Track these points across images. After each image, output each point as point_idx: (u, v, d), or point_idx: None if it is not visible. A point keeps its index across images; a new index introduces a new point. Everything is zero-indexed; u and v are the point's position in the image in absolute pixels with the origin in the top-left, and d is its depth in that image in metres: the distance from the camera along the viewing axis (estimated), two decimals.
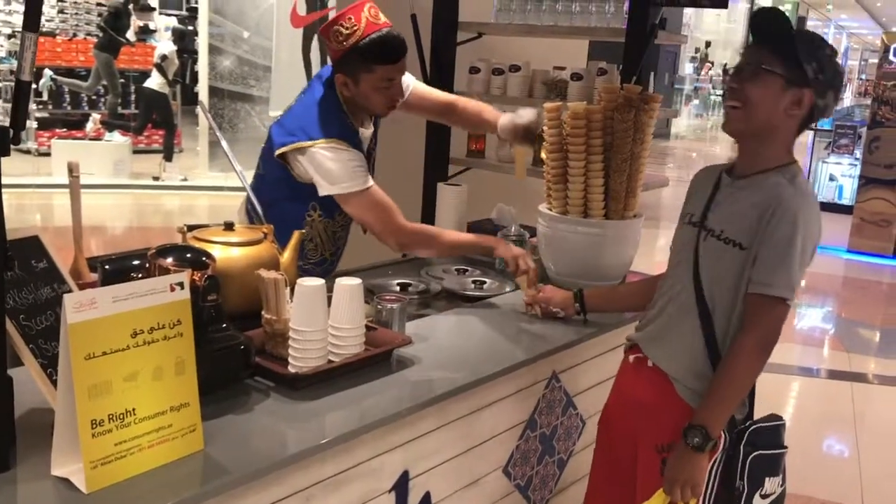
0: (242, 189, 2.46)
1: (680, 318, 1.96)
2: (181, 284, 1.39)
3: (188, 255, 1.64)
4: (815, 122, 1.92)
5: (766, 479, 1.91)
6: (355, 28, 2.33)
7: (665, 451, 1.92)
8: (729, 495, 1.90)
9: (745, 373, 1.82)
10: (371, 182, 2.43)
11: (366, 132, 2.60)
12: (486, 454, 2.14)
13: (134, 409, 1.34)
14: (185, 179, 10.02)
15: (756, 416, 2.00)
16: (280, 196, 2.49)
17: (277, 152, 2.43)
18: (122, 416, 1.32)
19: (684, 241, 2.00)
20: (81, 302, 1.25)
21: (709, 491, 1.90)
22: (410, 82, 2.74)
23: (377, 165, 2.82)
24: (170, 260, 1.61)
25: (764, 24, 1.85)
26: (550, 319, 2.41)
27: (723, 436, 1.88)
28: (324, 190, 2.39)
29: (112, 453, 1.31)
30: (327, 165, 2.37)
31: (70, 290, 1.56)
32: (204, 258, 1.65)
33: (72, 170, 1.90)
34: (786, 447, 1.97)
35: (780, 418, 1.99)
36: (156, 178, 10.01)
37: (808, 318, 6.71)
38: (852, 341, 6.05)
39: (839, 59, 1.86)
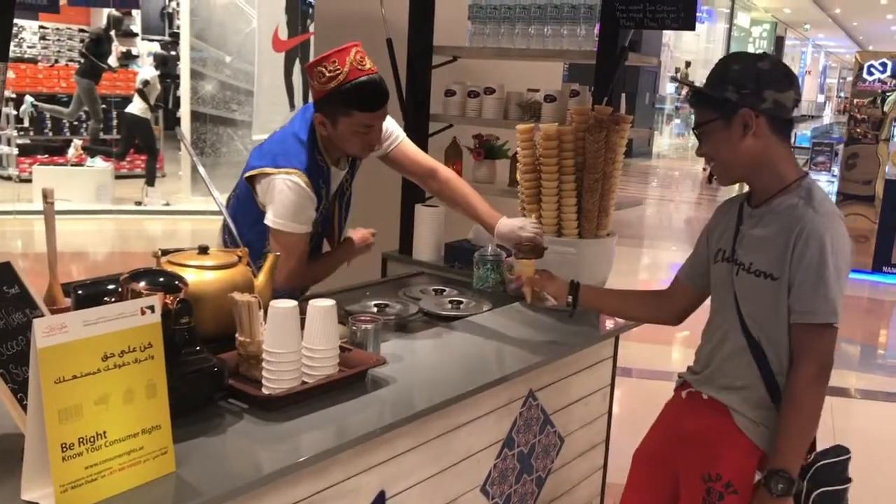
0: None
1: (733, 356, 1.94)
2: (152, 308, 1.40)
3: (161, 279, 1.66)
4: (786, 120, 1.88)
5: None
6: (338, 72, 2.33)
7: (712, 480, 1.90)
8: None
9: (810, 405, 1.80)
10: (300, 231, 2.45)
11: (339, 172, 2.62)
12: (463, 473, 2.15)
13: (105, 432, 1.35)
14: (168, 204, 10.00)
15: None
16: (251, 218, 2.51)
17: (246, 175, 2.48)
18: (92, 440, 1.33)
19: (722, 278, 1.98)
20: (51, 326, 1.26)
21: None
22: (399, 136, 2.75)
23: (357, 185, 2.85)
24: (142, 284, 1.62)
25: (689, 93, 1.91)
26: (526, 341, 2.42)
27: None
28: (268, 218, 2.42)
29: (83, 476, 1.32)
30: (279, 196, 2.40)
31: (41, 316, 1.57)
32: (176, 282, 1.66)
33: (46, 196, 1.91)
34: (850, 479, 1.95)
35: (846, 451, 1.95)
36: (138, 203, 9.98)
37: None
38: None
39: (760, 62, 1.83)
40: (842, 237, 1.80)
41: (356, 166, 2.76)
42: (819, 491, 1.86)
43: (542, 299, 2.42)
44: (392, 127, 2.73)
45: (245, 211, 2.53)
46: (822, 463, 1.88)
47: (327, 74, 2.34)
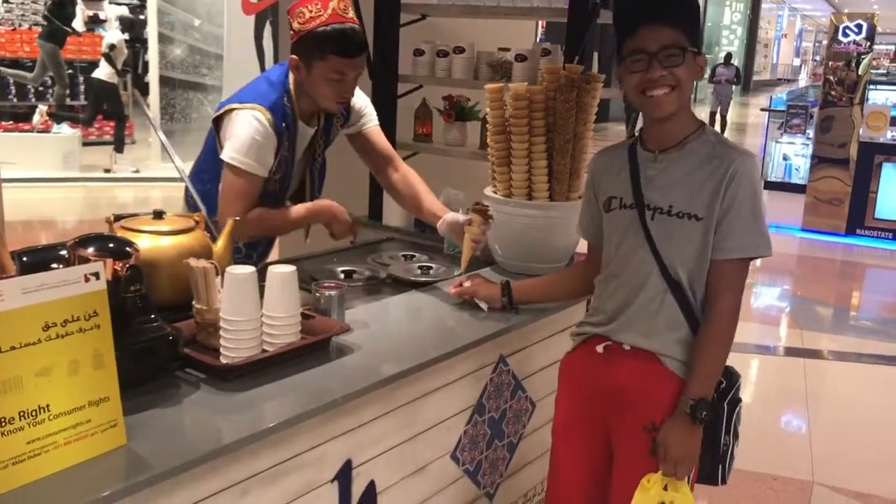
0: None
1: (652, 300, 1.91)
2: (96, 274, 1.33)
3: (110, 245, 1.59)
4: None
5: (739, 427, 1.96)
6: (320, 13, 2.30)
7: (656, 429, 1.88)
8: (713, 453, 1.91)
9: (728, 335, 1.86)
10: (255, 171, 2.38)
11: (307, 130, 2.56)
12: (432, 440, 2.12)
13: (48, 406, 1.29)
14: (138, 171, 9.84)
15: None
16: (210, 171, 2.48)
17: (213, 116, 2.45)
18: (34, 413, 1.27)
19: (625, 226, 1.94)
20: None
21: None
22: (374, 119, 2.77)
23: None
24: (90, 250, 1.55)
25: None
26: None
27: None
28: (223, 152, 2.38)
29: (24, 452, 1.26)
30: (238, 130, 2.37)
31: None
32: (126, 248, 1.59)
33: None
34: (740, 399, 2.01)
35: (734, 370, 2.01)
36: (107, 171, 9.82)
37: (764, 296, 6.79)
38: (806, 318, 6.14)
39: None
40: (757, 171, 1.91)
41: (330, 133, 2.69)
42: (738, 407, 1.95)
43: (475, 304, 2.34)
44: (369, 108, 2.75)
45: (213, 164, 2.49)
46: (739, 382, 1.97)
47: (308, 15, 2.31)
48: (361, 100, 2.72)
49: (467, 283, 2.35)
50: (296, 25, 2.35)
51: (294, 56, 2.38)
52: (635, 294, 1.94)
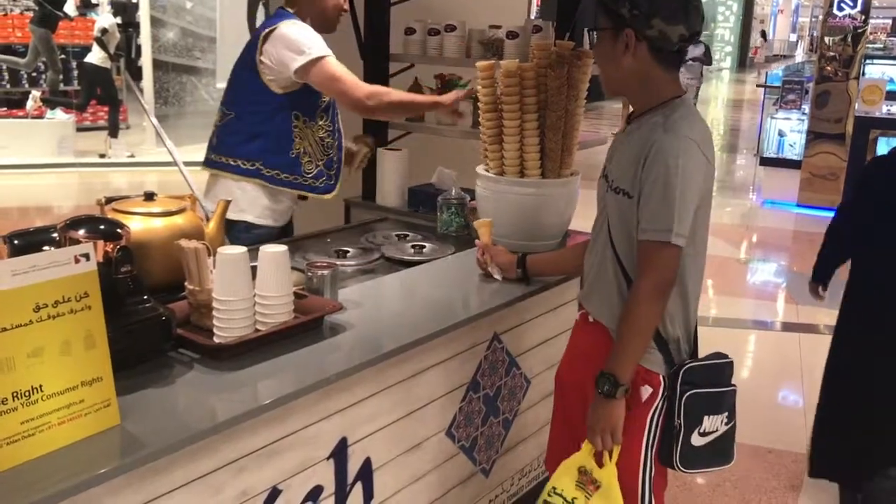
0: (192, 164, 2.46)
1: (603, 270, 1.97)
2: (86, 256, 1.34)
3: (101, 227, 1.59)
4: (672, 52, 1.86)
5: (706, 417, 1.93)
6: None
7: None
8: (669, 434, 1.92)
9: (643, 318, 1.83)
10: (330, 53, 2.60)
11: None
12: (427, 417, 2.13)
13: (41, 386, 1.29)
14: (133, 156, 9.79)
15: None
16: (262, 111, 2.65)
17: (256, 49, 2.63)
18: (27, 394, 1.27)
19: (600, 194, 2.02)
20: None
21: (653, 436, 1.93)
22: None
23: None
24: (81, 232, 1.56)
25: None
26: (489, 284, 2.39)
27: (661, 382, 1.91)
28: (294, 63, 2.56)
29: (18, 432, 1.27)
30: (292, 36, 2.59)
31: None
32: (117, 229, 1.60)
33: None
34: (731, 386, 1.98)
35: (723, 356, 1.99)
36: (102, 156, 9.76)
37: (760, 272, 6.79)
38: (801, 293, 6.13)
39: None
40: (691, 159, 1.79)
41: None
42: (691, 392, 1.90)
43: (489, 273, 2.40)
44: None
45: (255, 106, 2.69)
46: (688, 365, 1.91)
47: None
48: None
49: (488, 258, 2.41)
50: None
51: None
52: (595, 263, 2.01)
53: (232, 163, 2.69)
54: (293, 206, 2.88)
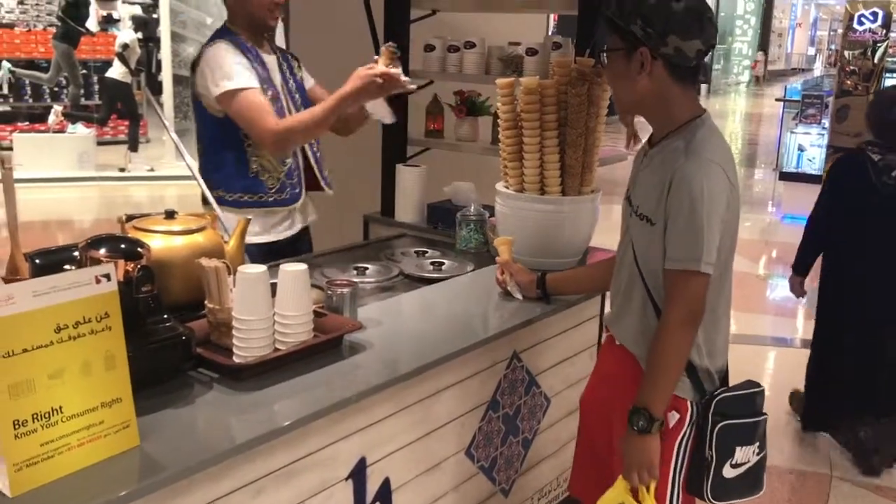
0: None
1: (629, 294, 1.94)
2: (107, 276, 1.33)
3: (121, 246, 1.59)
4: (689, 68, 1.82)
5: (738, 448, 1.88)
6: None
7: None
8: (699, 465, 1.88)
9: (674, 349, 1.79)
10: (249, 85, 2.50)
11: (270, 57, 2.70)
12: (446, 437, 2.11)
13: (61, 407, 1.29)
14: (152, 170, 9.87)
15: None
16: (215, 137, 2.58)
17: (192, 76, 2.60)
18: (47, 415, 1.27)
19: (625, 216, 1.99)
20: None
21: (681, 463, 1.89)
22: (311, 81, 2.89)
23: (332, 146, 2.77)
24: (102, 251, 1.56)
25: (595, 7, 1.89)
26: (508, 302, 2.37)
27: (689, 408, 1.87)
28: (216, 90, 2.49)
29: (38, 454, 1.26)
30: (210, 63, 2.52)
31: None
32: (138, 248, 1.59)
33: (3, 161, 1.83)
34: (763, 415, 1.94)
35: (755, 385, 1.95)
36: (122, 170, 9.85)
37: (780, 287, 6.73)
38: None
39: (676, 2, 1.75)
40: (716, 184, 1.75)
41: (292, 68, 2.80)
42: (723, 423, 1.85)
43: (508, 292, 2.38)
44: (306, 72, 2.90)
45: (210, 134, 2.63)
46: (721, 396, 1.87)
47: None
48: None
49: (508, 277, 2.39)
50: None
51: None
52: (622, 287, 1.98)
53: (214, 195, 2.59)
54: (287, 214, 2.77)
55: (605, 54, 1.87)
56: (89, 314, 1.32)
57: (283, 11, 3.18)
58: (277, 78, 2.69)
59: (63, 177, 9.18)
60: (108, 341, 1.35)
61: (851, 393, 3.60)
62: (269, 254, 2.58)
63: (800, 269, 3.76)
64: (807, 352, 3.94)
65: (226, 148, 2.58)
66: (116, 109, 10.56)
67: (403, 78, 2.46)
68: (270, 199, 2.67)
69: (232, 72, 2.49)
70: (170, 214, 1.93)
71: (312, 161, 2.79)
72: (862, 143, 3.59)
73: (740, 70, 30.62)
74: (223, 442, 1.50)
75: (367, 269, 2.63)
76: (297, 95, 2.76)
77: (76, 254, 1.64)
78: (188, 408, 1.59)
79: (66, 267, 1.59)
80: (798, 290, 3.80)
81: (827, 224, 3.62)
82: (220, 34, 2.63)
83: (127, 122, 10.50)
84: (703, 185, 1.73)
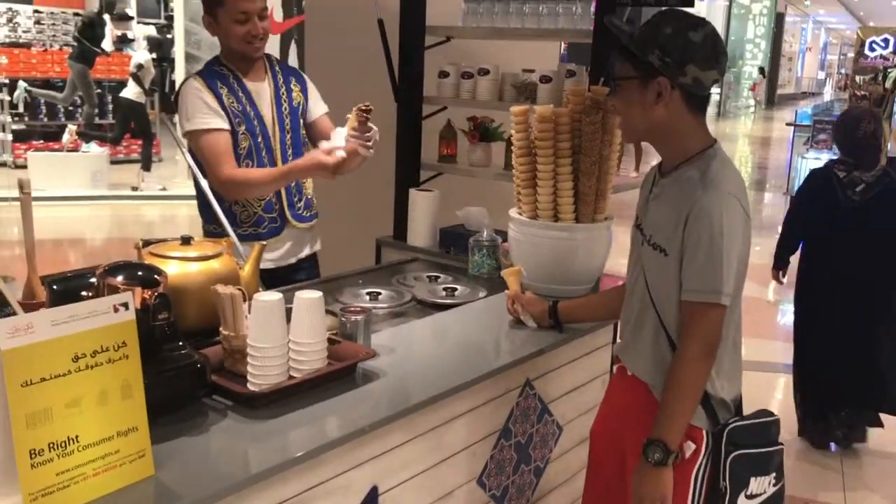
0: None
1: (642, 325, 1.94)
2: (125, 305, 1.34)
3: (139, 273, 1.59)
4: (703, 97, 1.85)
5: (752, 478, 1.87)
6: None
7: None
8: (714, 497, 1.86)
9: (690, 381, 1.79)
10: (210, 126, 2.53)
11: (259, 85, 2.69)
12: (458, 465, 2.10)
13: (77, 437, 1.29)
14: (164, 189, 9.93)
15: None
16: (199, 172, 2.53)
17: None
18: (63, 445, 1.27)
19: (634, 245, 1.99)
20: (17, 327, 1.20)
21: (698, 494, 1.87)
22: (323, 105, 2.87)
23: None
24: (119, 278, 1.56)
25: (613, 38, 1.89)
26: (521, 329, 2.37)
27: (704, 438, 1.85)
28: (181, 128, 2.56)
29: (54, 484, 1.26)
30: (182, 100, 2.57)
31: (13, 314, 1.50)
32: (155, 275, 1.60)
33: (22, 186, 1.84)
34: (779, 445, 1.93)
35: (769, 414, 1.94)
36: (134, 189, 9.92)
37: (790, 313, 6.68)
38: None
39: (692, 32, 1.77)
40: (735, 217, 1.76)
41: (291, 94, 2.77)
42: (736, 454, 1.84)
43: (522, 321, 2.37)
44: (318, 99, 2.87)
45: (199, 163, 2.59)
46: (733, 425, 1.86)
47: None
48: (313, 87, 2.88)
49: (520, 307, 2.38)
50: None
51: (204, 15, 2.63)
52: (633, 317, 1.97)
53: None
54: (274, 245, 2.74)
55: (617, 82, 1.87)
56: (107, 343, 1.32)
57: (301, 39, 3.17)
58: (265, 106, 2.68)
59: (76, 195, 9.24)
60: (125, 370, 1.35)
61: (823, 390, 3.95)
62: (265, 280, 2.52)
63: (778, 265, 4.14)
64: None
65: (204, 177, 2.54)
66: (130, 129, 10.64)
67: (366, 146, 2.48)
68: (247, 231, 2.64)
69: (195, 112, 2.53)
70: (186, 240, 1.94)
71: (283, 193, 2.74)
72: (830, 160, 3.95)
73: (749, 94, 30.66)
74: (238, 471, 1.50)
75: (379, 294, 2.63)
76: (287, 121, 2.73)
77: (92, 280, 1.65)
78: (203, 436, 1.58)
79: (83, 294, 1.59)
80: (778, 279, 4.20)
81: (797, 234, 4.01)
82: (206, 65, 2.70)
83: (140, 142, 10.57)
84: (722, 219, 1.74)
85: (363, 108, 2.43)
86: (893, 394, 3.80)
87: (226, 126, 2.56)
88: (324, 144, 2.53)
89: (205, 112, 2.53)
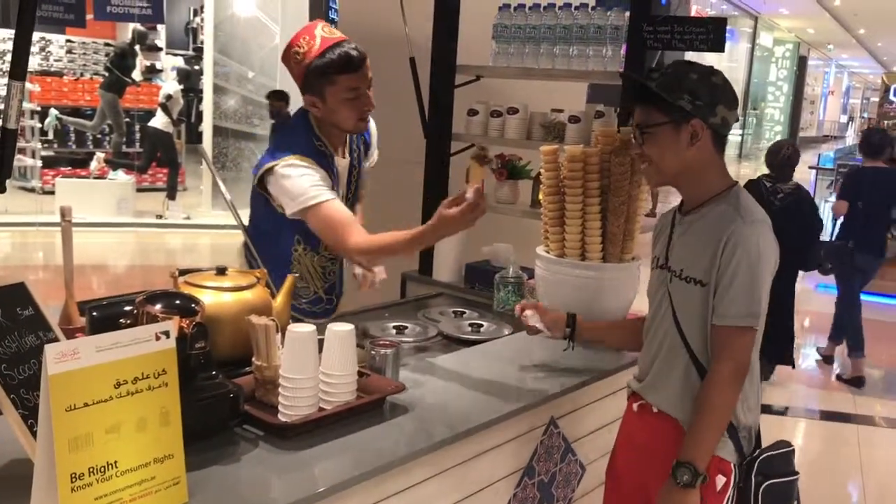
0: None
1: (672, 362, 1.97)
2: (167, 333, 1.37)
3: (177, 302, 1.63)
4: (724, 136, 1.95)
5: None
6: (311, 44, 2.35)
7: None
8: None
9: (722, 403, 1.84)
10: (327, 197, 2.34)
11: (342, 161, 2.57)
12: (482, 502, 2.09)
13: (116, 462, 1.31)
14: (189, 218, 10.03)
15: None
16: (266, 230, 2.48)
17: (255, 178, 2.45)
18: (103, 469, 1.29)
19: (658, 285, 2.03)
20: (63, 352, 1.23)
21: None
22: (375, 154, 2.77)
23: (374, 206, 2.81)
24: (158, 307, 1.59)
25: (631, 88, 1.94)
26: (547, 366, 2.37)
27: (733, 470, 1.89)
28: (289, 209, 2.36)
29: None
30: (286, 183, 2.35)
31: (55, 339, 1.54)
32: (192, 305, 1.63)
33: (64, 214, 1.89)
34: (797, 473, 1.99)
35: (787, 444, 2.00)
36: (159, 217, 10.03)
37: (812, 358, 6.64)
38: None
39: (713, 76, 1.89)
40: (767, 244, 1.86)
41: (361, 164, 2.69)
42: (767, 483, 1.90)
43: (537, 330, 2.35)
44: (374, 147, 2.77)
45: (264, 221, 2.49)
46: (763, 456, 1.92)
47: (302, 52, 2.36)
48: (375, 135, 2.76)
49: (530, 311, 2.36)
50: (295, 69, 2.39)
51: (306, 96, 2.43)
52: (660, 355, 2.01)
53: None
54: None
55: (648, 130, 1.92)
56: (148, 370, 1.35)
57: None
58: (343, 185, 2.59)
59: (102, 222, 9.35)
60: (163, 398, 1.37)
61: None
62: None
63: None
64: (843, 426, 3.96)
65: (276, 245, 2.48)
66: (157, 158, 10.79)
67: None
68: (300, 306, 2.57)
69: (308, 187, 2.34)
70: (221, 271, 1.98)
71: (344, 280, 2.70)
72: (761, 175, 5.26)
73: (772, 136, 30.65)
74: (266, 501, 1.51)
75: (405, 328, 2.65)
76: (353, 188, 2.67)
77: (130, 308, 1.68)
78: (234, 465, 1.60)
79: (122, 321, 1.62)
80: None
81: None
82: (301, 138, 2.47)
83: (166, 170, 10.71)
84: (759, 246, 1.83)
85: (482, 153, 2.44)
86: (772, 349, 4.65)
87: (337, 194, 2.44)
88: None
89: (318, 184, 2.35)
